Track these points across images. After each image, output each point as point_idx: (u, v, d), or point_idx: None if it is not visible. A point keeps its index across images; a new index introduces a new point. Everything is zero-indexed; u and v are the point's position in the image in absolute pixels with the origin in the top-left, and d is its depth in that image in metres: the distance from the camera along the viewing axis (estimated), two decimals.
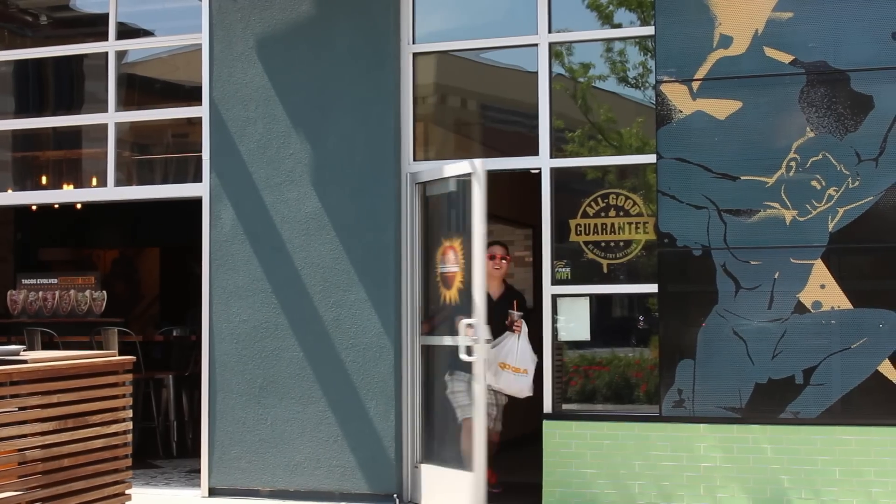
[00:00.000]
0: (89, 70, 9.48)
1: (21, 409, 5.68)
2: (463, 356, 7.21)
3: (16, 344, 7.97)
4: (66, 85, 9.75)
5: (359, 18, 8.06)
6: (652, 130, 7.53)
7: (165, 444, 10.31)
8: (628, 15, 7.81)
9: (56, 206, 11.23)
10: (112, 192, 8.84)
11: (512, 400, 8.24)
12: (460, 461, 7.39)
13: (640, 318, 7.78)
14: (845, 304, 7.08)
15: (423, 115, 8.32)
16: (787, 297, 7.15)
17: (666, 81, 7.44)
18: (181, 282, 13.67)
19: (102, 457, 6.20)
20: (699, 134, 7.37)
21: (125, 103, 8.94)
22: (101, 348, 9.66)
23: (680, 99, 7.41)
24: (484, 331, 7.23)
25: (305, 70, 8.14)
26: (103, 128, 8.88)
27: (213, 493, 8.21)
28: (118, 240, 14.70)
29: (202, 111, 8.39)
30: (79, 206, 11.54)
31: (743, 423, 7.20)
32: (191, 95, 8.66)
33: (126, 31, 9.00)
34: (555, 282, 7.71)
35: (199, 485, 8.38)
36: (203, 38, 8.40)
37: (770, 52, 7.27)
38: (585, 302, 7.69)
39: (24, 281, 10.92)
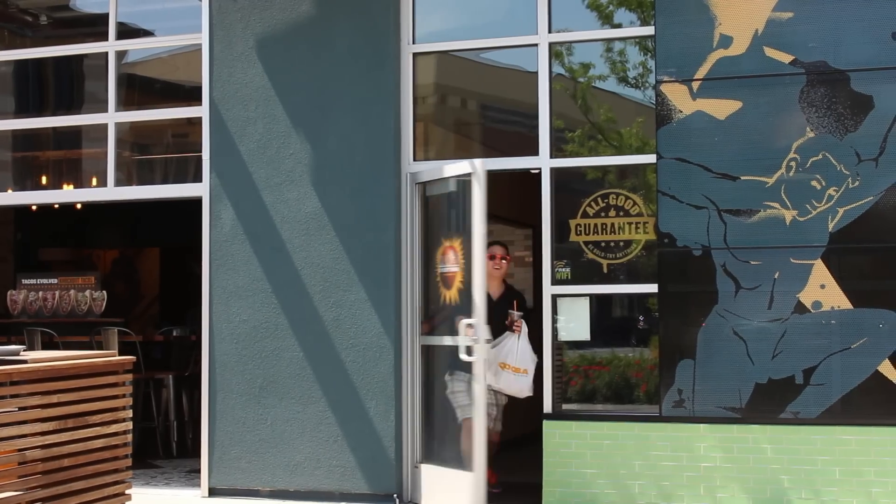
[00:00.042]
0: (89, 70, 9.48)
1: (21, 409, 5.68)
2: (463, 356, 7.21)
3: (16, 344, 7.97)
4: (66, 85, 9.75)
5: (359, 18, 8.06)
6: (652, 130, 7.53)
7: (165, 444, 10.31)
8: (628, 15, 7.81)
9: (56, 206, 11.23)
10: (112, 192, 8.84)
11: (512, 400, 8.24)
12: (460, 461, 7.39)
13: (640, 318, 7.78)
14: (845, 304, 7.08)
15: (423, 115, 8.32)
16: (787, 297, 7.15)
17: (666, 81, 7.44)
18: (181, 282, 13.67)
19: (102, 457, 6.20)
20: (699, 134, 7.37)
21: (125, 103, 8.94)
22: (101, 348, 9.66)
23: (680, 99, 7.41)
24: (484, 331, 7.23)
25: (305, 70, 8.14)
26: (103, 128, 8.88)
27: (213, 493, 8.21)
28: (118, 240, 14.70)
29: (202, 111, 8.39)
30: (79, 206, 11.54)
31: (743, 423, 7.20)
32: (191, 95, 8.66)
33: (126, 31, 9.00)
34: (555, 282, 7.71)
35: (199, 485, 8.38)
36: (203, 38, 8.40)
37: (770, 52, 7.27)
38: (585, 302, 7.69)
39: (24, 281, 10.92)
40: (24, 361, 5.75)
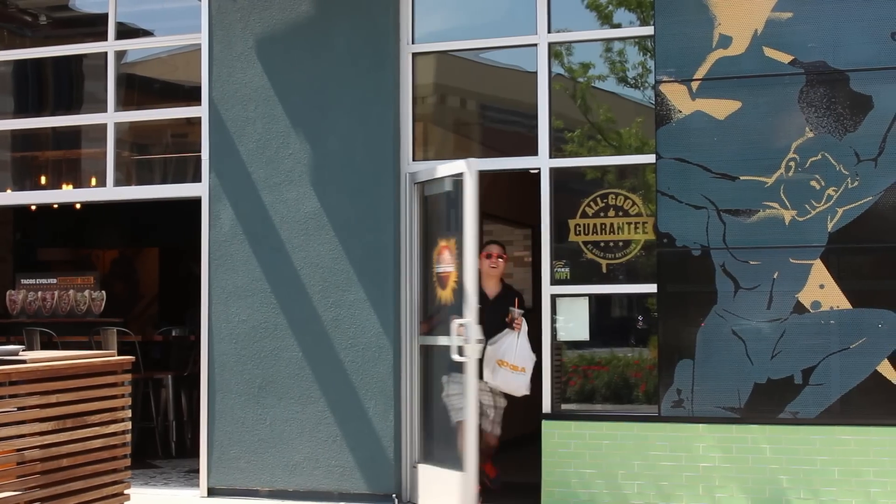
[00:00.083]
0: (89, 70, 9.48)
1: (20, 409, 5.68)
2: (454, 356, 7.19)
3: (15, 344, 7.97)
4: (65, 85, 9.75)
5: (358, 18, 8.06)
6: (651, 130, 7.53)
7: (164, 444, 10.30)
8: (628, 15, 7.81)
9: (55, 206, 11.22)
10: (111, 192, 8.84)
11: (511, 400, 8.23)
12: (455, 462, 7.38)
13: (639, 318, 7.78)
14: (844, 304, 7.08)
15: (423, 115, 8.32)
16: (787, 297, 7.15)
17: (665, 81, 7.44)
18: (180, 282, 13.67)
19: (101, 457, 6.20)
20: (698, 134, 7.37)
21: (124, 103, 8.94)
22: (100, 348, 9.67)
23: (679, 99, 7.41)
24: (475, 331, 7.19)
25: (305, 70, 8.14)
26: (103, 128, 8.88)
27: (212, 493, 8.21)
28: (117, 240, 14.70)
29: (201, 111, 8.39)
30: (78, 206, 11.53)
31: (742, 423, 7.20)
32: (190, 95, 8.66)
33: (125, 31, 9.00)
34: (554, 282, 7.71)
35: (197, 485, 8.38)
36: (202, 38, 8.40)
37: (769, 52, 7.27)
38: (584, 302, 7.69)
39: (24, 281, 10.92)
40: (23, 361, 5.75)
